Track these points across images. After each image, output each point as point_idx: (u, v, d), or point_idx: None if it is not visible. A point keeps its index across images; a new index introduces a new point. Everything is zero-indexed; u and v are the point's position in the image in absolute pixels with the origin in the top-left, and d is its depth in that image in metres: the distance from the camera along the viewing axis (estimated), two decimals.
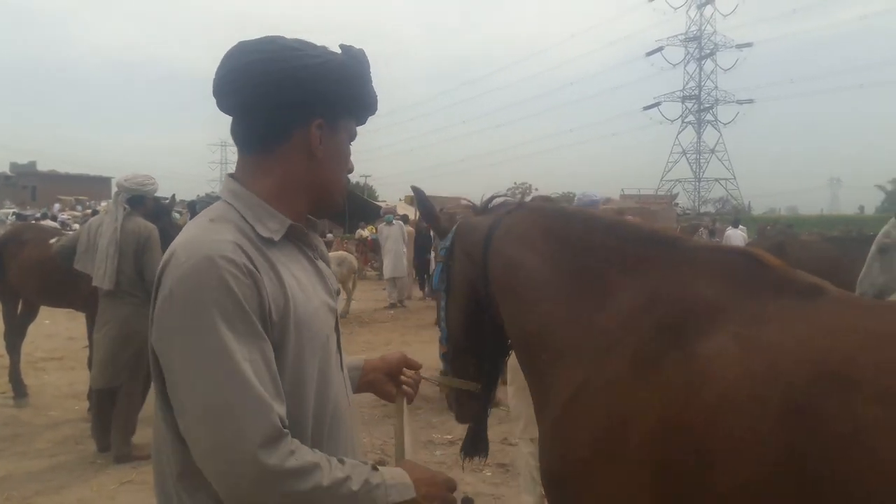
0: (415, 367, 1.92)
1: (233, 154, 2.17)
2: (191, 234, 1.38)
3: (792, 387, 1.42)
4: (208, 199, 5.56)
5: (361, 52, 1.54)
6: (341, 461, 1.37)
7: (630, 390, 1.67)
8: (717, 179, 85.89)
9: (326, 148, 1.50)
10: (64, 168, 72.88)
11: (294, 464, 1.27)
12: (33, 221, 18.32)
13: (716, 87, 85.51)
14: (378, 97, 1.60)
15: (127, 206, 5.50)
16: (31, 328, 7.52)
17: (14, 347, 7.11)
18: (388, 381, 1.88)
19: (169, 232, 5.78)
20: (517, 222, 2.19)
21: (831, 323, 1.54)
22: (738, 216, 27.86)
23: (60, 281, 6.24)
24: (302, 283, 1.45)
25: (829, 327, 1.52)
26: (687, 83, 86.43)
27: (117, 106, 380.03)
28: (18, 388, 7.03)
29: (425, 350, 9.17)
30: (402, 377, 1.89)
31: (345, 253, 14.38)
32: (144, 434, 5.70)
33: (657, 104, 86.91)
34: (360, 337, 11.22)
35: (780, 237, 12.86)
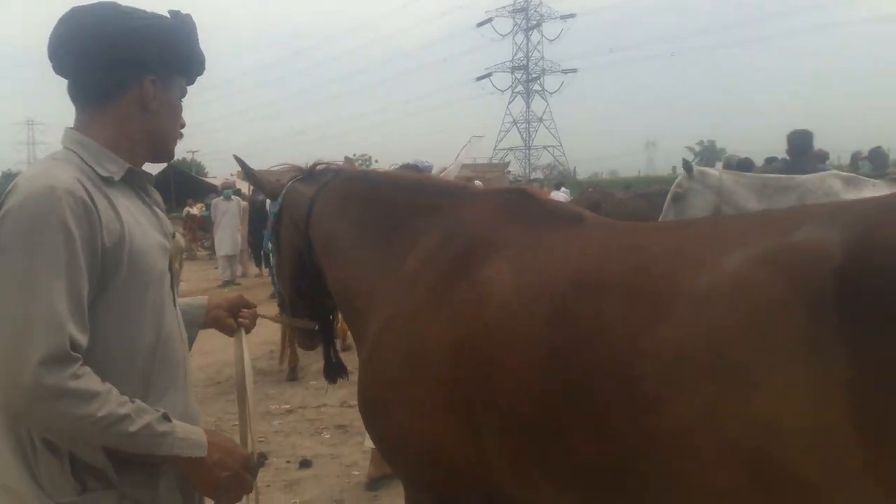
0: (251, 306, 2.10)
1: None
2: (34, 170, 1.52)
3: (554, 296, 1.63)
4: (5, 180, 5.15)
5: (188, 16, 1.69)
6: (133, 402, 1.41)
7: (429, 316, 1.85)
8: (545, 147, 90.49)
9: (159, 101, 1.64)
10: None
11: (74, 386, 1.32)
12: None
13: (542, 57, 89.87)
14: (205, 60, 1.76)
15: None
16: None
17: None
18: (228, 316, 2.03)
19: None
20: (333, 192, 2.40)
21: (586, 242, 1.77)
22: (562, 180, 29.65)
23: None
24: (139, 221, 1.57)
25: (585, 246, 1.75)
26: (515, 54, 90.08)
27: None
28: None
29: (263, 326, 9.01)
30: (241, 314, 2.05)
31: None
32: None
33: (488, 75, 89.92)
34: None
35: (597, 195, 14.02)
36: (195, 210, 21.60)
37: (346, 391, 5.58)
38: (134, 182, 1.64)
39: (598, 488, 1.56)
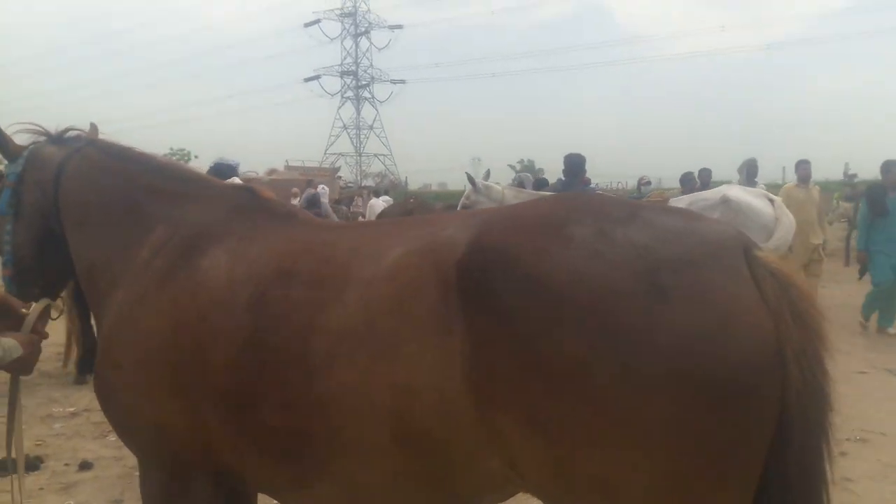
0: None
1: None
2: None
3: (258, 283, 1.87)
4: None
5: None
6: None
7: (152, 304, 2.02)
8: (376, 155, 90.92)
9: None
10: None
11: None
12: None
13: (371, 65, 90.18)
14: None
15: None
16: None
17: None
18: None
19: None
20: (86, 161, 2.40)
21: (293, 237, 2.02)
22: (389, 189, 30.15)
23: None
24: None
25: (291, 239, 2.00)
26: (345, 58, 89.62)
27: None
28: None
29: (49, 327, 8.46)
30: None
31: None
32: None
33: (317, 77, 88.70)
34: None
35: (414, 204, 14.57)
36: None
37: None
38: None
39: (287, 452, 1.80)
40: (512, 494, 1.76)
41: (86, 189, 2.36)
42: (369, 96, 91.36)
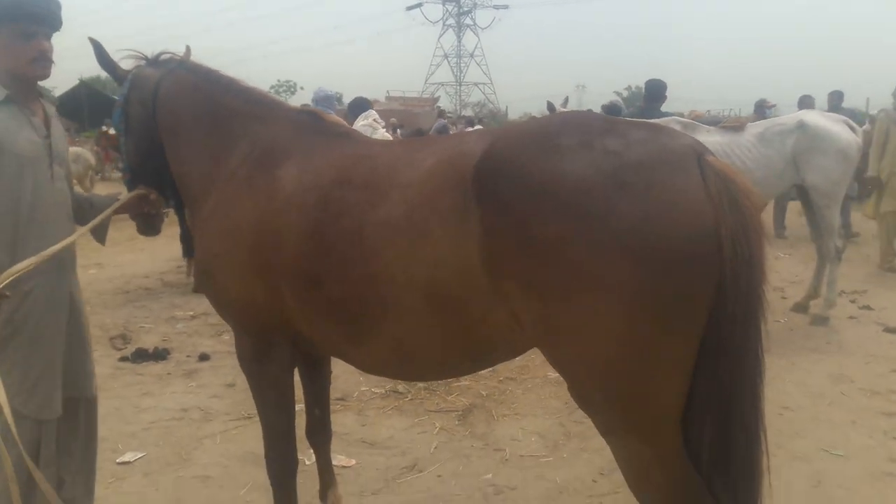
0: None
1: None
2: None
3: (321, 188, 2.27)
4: None
5: None
6: None
7: (239, 203, 2.44)
8: (476, 84, 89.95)
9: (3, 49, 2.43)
10: None
11: None
12: None
13: None
14: (33, 5, 2.41)
15: None
16: None
17: None
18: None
19: None
20: (178, 80, 2.75)
21: (347, 152, 2.39)
22: (478, 117, 30.19)
23: None
24: (9, 126, 2.46)
25: (345, 154, 2.38)
26: None
27: None
28: None
29: (171, 245, 9.44)
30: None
31: (80, 149, 13.60)
32: None
33: (419, 4, 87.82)
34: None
35: None
36: (112, 130, 21.07)
37: None
38: (16, 101, 2.49)
39: (346, 318, 2.24)
40: (518, 352, 2.17)
41: (178, 107, 2.72)
42: (471, 23, 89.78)
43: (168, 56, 2.88)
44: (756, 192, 1.85)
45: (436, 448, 3.88)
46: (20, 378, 2.50)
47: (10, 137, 2.45)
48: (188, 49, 2.96)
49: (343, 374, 4.48)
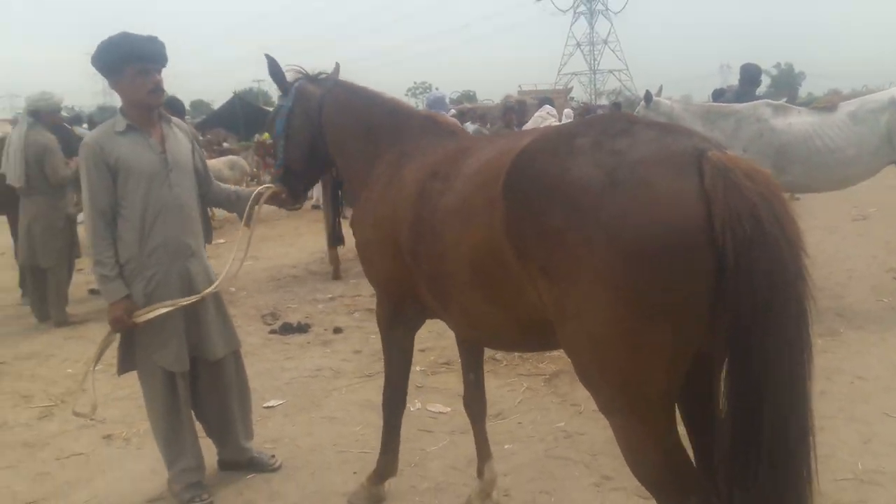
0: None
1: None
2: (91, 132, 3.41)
3: (421, 182, 2.69)
4: (101, 112, 6.85)
5: (121, 33, 3.20)
6: (108, 273, 3.24)
7: (380, 198, 2.97)
8: (611, 71, 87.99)
9: (118, 88, 3.30)
10: None
11: (92, 237, 3.26)
12: None
13: None
14: (147, 48, 3.22)
15: (30, 118, 6.60)
16: None
17: None
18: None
19: (69, 141, 6.94)
20: (336, 98, 3.31)
21: (446, 148, 2.81)
22: (615, 106, 29.78)
23: None
24: (132, 149, 3.27)
25: (444, 150, 2.80)
26: None
27: None
28: None
29: (316, 240, 10.66)
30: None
31: (236, 157, 14.87)
32: (74, 305, 7.09)
33: None
34: (256, 231, 12.45)
35: None
36: (265, 137, 23.05)
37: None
38: (136, 128, 3.30)
39: (434, 287, 2.67)
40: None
41: (339, 120, 3.26)
42: (603, 8, 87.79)
43: (325, 75, 3.46)
44: (765, 173, 1.85)
45: (520, 402, 4.52)
46: (155, 337, 3.33)
47: (134, 159, 3.24)
48: (337, 65, 3.55)
49: (451, 344, 5.22)
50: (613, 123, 2.03)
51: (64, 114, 10.54)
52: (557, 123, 7.80)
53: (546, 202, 1.95)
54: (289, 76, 3.47)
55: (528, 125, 9.57)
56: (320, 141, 3.35)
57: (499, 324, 2.44)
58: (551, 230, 1.93)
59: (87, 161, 3.21)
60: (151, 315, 3.22)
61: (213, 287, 3.40)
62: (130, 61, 3.19)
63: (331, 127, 3.29)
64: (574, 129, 2.11)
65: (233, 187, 3.87)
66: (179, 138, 3.51)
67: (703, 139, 1.95)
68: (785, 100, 8.40)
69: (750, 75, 6.94)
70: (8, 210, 7.19)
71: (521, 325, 2.34)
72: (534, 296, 2.11)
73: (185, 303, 3.29)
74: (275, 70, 3.41)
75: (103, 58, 3.20)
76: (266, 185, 3.62)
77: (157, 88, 3.28)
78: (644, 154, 1.87)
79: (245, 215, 3.52)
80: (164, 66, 3.35)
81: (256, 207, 3.52)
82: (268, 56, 3.39)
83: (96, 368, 3.32)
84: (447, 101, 8.51)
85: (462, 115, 10.55)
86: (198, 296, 3.34)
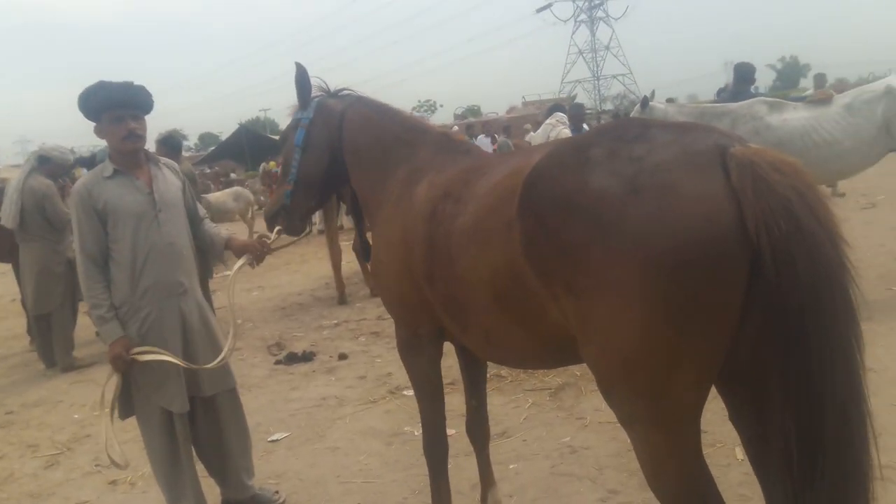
0: (265, 244, 3.47)
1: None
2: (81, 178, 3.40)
3: (433, 202, 2.60)
4: (106, 152, 6.92)
5: (99, 82, 3.23)
6: (103, 315, 3.24)
7: (392, 218, 2.87)
8: (614, 76, 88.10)
9: (101, 132, 3.32)
10: None
11: (85, 280, 3.30)
12: None
13: None
14: (115, 97, 3.22)
15: (35, 163, 6.68)
16: None
17: None
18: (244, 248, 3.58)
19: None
20: (357, 114, 3.21)
21: (459, 167, 2.71)
22: (621, 110, 29.82)
23: None
24: (119, 192, 3.28)
25: (457, 169, 2.69)
26: None
27: None
28: None
29: (321, 265, 10.66)
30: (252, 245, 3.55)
31: (240, 188, 15.03)
32: (80, 348, 7.10)
33: (549, 5, 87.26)
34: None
35: None
36: (271, 166, 23.26)
37: (381, 309, 6.97)
38: (122, 174, 3.32)
39: (452, 310, 2.56)
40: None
41: (359, 135, 3.17)
42: (603, 15, 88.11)
43: (347, 91, 3.39)
44: (793, 163, 1.77)
45: (525, 419, 4.45)
46: (153, 378, 3.31)
47: (121, 202, 3.26)
48: (435, 105, 3.68)
49: (455, 363, 5.17)
50: (627, 129, 1.95)
51: (85, 154, 10.82)
52: (568, 131, 7.67)
53: (564, 218, 1.88)
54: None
55: (538, 133, 9.51)
56: (339, 155, 3.25)
57: (521, 343, 2.35)
58: (572, 246, 1.86)
59: (76, 207, 3.24)
60: (150, 357, 3.20)
61: (217, 362, 3.38)
62: (105, 109, 3.23)
63: (350, 141, 3.21)
64: (586, 140, 2.02)
65: (214, 229, 3.79)
66: (168, 178, 3.50)
67: (724, 135, 1.87)
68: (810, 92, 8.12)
69: (743, 74, 6.88)
70: (13, 258, 7.23)
71: (543, 343, 2.27)
72: (556, 313, 2.04)
73: (182, 364, 3.27)
74: (302, 80, 3.27)
75: (82, 106, 3.24)
76: (245, 257, 3.53)
77: (131, 135, 3.27)
78: (664, 157, 1.78)
79: (229, 288, 3.48)
80: (141, 111, 3.34)
81: (233, 277, 3.48)
82: (298, 65, 3.27)
83: (104, 412, 3.26)
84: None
85: (469, 129, 10.75)
86: (200, 366, 3.34)
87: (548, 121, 8.66)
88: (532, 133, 9.80)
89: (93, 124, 3.30)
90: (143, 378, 3.30)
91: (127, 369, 3.23)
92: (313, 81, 3.30)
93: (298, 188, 3.27)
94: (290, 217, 3.35)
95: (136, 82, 3.33)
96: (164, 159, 3.64)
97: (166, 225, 3.36)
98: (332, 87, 3.39)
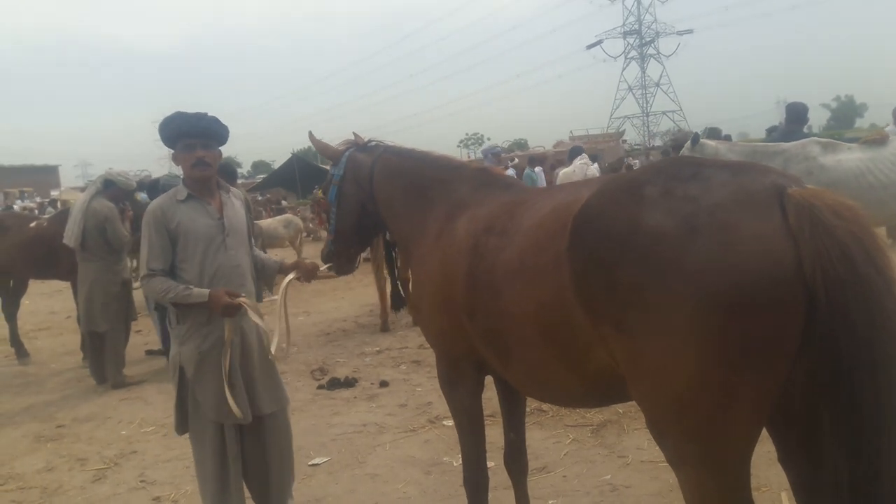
0: (314, 268, 3.66)
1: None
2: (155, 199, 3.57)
3: (475, 236, 2.63)
4: (169, 178, 7.18)
5: (175, 113, 3.42)
6: (185, 288, 3.33)
7: (432, 255, 2.91)
8: (664, 112, 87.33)
9: (175, 159, 3.53)
10: (6, 160, 68.34)
11: (154, 283, 3.37)
12: None
13: (655, 20, 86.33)
14: (190, 127, 3.38)
15: (99, 186, 6.95)
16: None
17: (11, 316, 8.44)
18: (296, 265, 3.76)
19: (134, 209, 7.26)
20: (387, 165, 3.32)
21: (501, 201, 2.73)
22: (668, 147, 29.54)
23: (45, 256, 7.64)
24: (191, 215, 3.44)
25: (500, 203, 2.71)
26: (627, 18, 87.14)
27: (47, 91, 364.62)
28: (20, 350, 8.41)
29: (365, 292, 10.77)
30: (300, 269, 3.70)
31: (290, 216, 15.43)
32: (131, 366, 7.30)
33: (599, 42, 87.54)
34: (309, 286, 12.64)
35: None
36: (319, 194, 23.69)
37: (423, 338, 6.95)
38: (195, 198, 3.47)
39: (493, 344, 2.56)
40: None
41: (390, 185, 3.27)
42: (654, 52, 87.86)
43: (374, 143, 3.53)
44: (852, 206, 1.76)
45: (565, 454, 4.40)
46: (208, 396, 3.40)
47: (193, 224, 3.42)
48: (482, 139, 3.77)
49: (495, 395, 5.16)
50: (682, 168, 1.95)
51: (148, 173, 11.33)
52: (596, 170, 7.97)
53: (618, 256, 1.87)
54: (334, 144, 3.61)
55: (575, 171, 9.70)
56: (371, 207, 3.37)
57: (563, 379, 2.34)
58: (625, 285, 1.85)
59: (149, 225, 3.41)
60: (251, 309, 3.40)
61: (274, 348, 3.53)
62: (179, 137, 3.41)
63: (382, 193, 3.30)
64: (640, 177, 2.01)
65: (263, 256, 3.95)
66: (236, 206, 3.67)
67: (781, 175, 1.87)
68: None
69: (796, 114, 6.80)
70: (72, 276, 7.50)
71: (586, 381, 2.26)
72: (602, 352, 2.03)
73: (269, 342, 3.53)
74: (319, 147, 3.60)
75: (161, 134, 3.45)
76: (296, 271, 3.68)
77: (199, 163, 3.43)
78: (721, 197, 1.78)
79: (281, 293, 3.61)
80: (211, 140, 3.49)
81: (283, 297, 3.60)
82: (310, 135, 3.57)
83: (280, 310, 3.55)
84: (501, 154, 8.99)
85: (531, 162, 11.56)
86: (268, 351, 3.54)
87: (578, 161, 9.48)
88: (565, 169, 10.30)
89: (164, 151, 3.58)
90: (202, 394, 3.40)
91: (236, 313, 3.37)
92: (342, 136, 3.52)
93: (338, 238, 3.53)
94: (337, 261, 3.62)
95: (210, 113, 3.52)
96: (232, 188, 3.80)
97: (232, 248, 3.52)
98: (367, 132, 3.57)
